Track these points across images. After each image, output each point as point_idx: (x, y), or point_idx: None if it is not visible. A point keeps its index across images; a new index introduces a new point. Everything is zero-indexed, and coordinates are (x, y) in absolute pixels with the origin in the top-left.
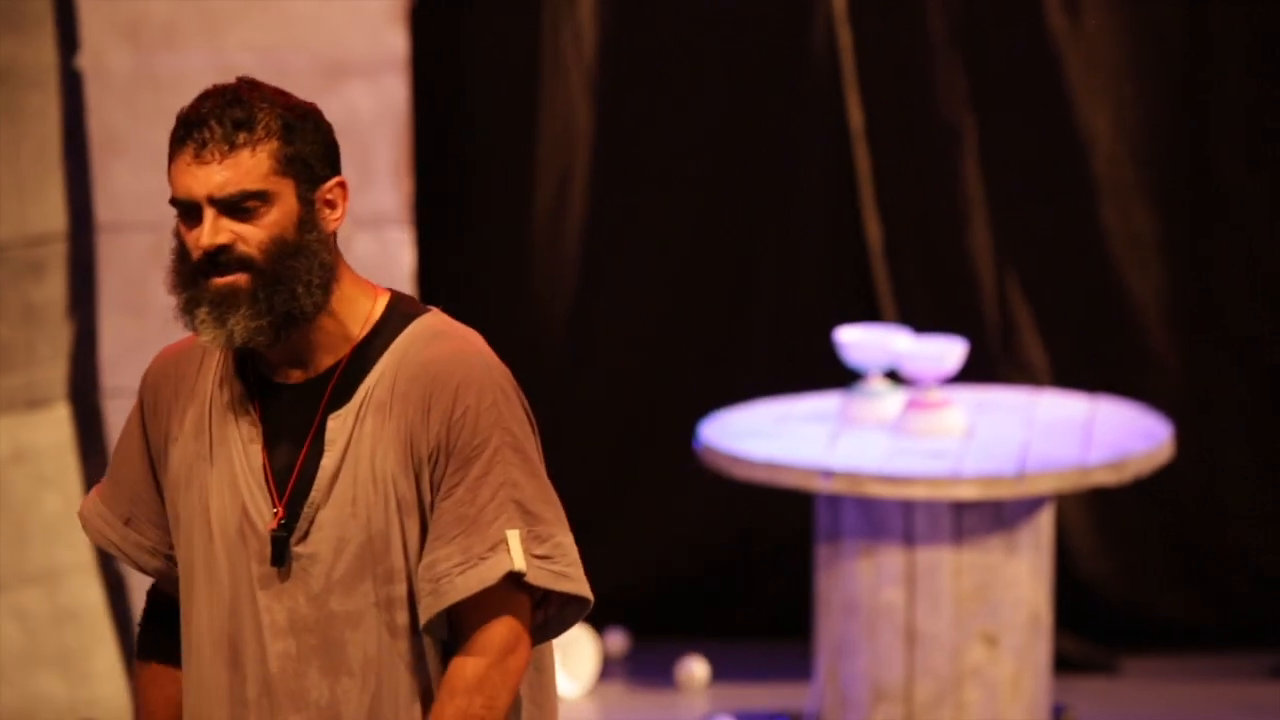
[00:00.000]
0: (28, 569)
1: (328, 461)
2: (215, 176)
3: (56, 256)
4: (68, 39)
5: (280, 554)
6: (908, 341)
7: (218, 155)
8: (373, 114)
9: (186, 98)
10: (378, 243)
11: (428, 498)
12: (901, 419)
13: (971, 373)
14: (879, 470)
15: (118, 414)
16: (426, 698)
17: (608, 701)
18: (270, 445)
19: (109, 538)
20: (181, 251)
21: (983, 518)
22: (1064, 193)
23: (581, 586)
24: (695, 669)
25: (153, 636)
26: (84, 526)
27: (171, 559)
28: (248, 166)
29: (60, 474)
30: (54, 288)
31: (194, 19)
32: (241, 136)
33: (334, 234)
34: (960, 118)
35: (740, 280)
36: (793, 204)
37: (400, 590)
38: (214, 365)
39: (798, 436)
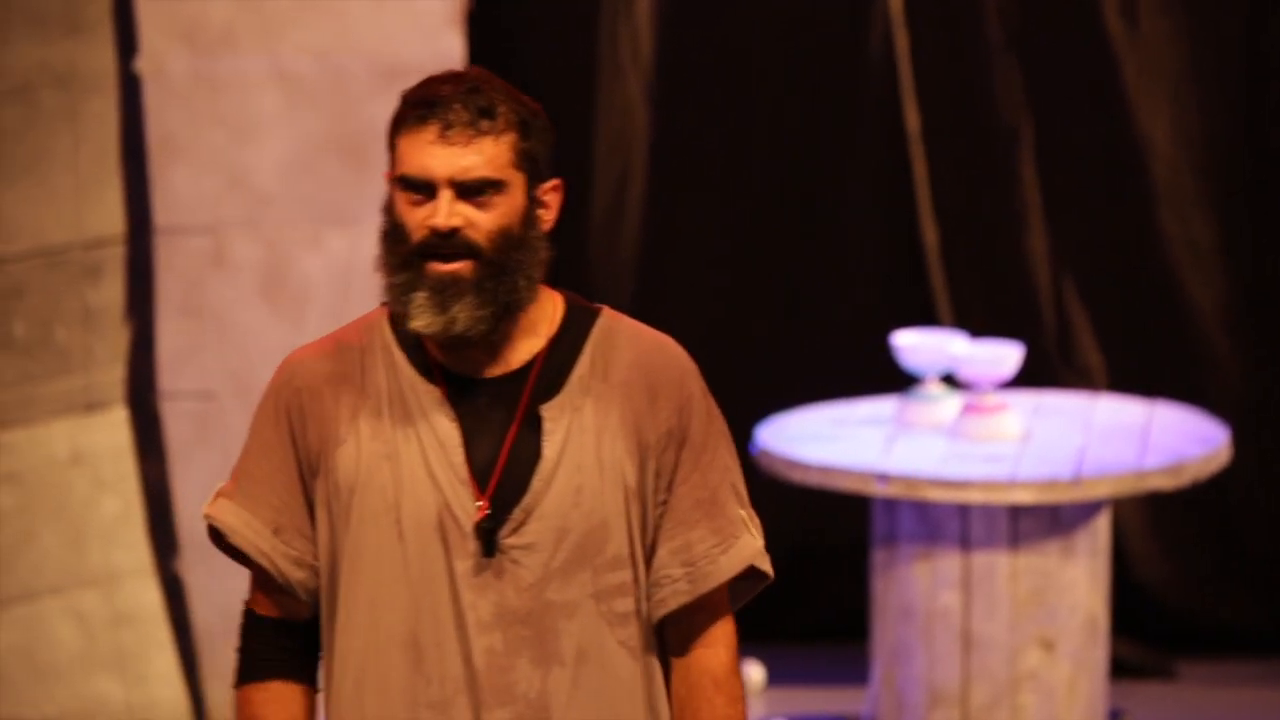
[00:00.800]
0: (85, 571)
1: (549, 451)
2: (460, 159)
3: (114, 260)
4: (126, 42)
5: (489, 546)
6: (964, 345)
7: (463, 138)
8: None
9: (244, 101)
10: None
11: (650, 484)
12: (958, 423)
13: (1028, 377)
14: (935, 474)
15: (175, 417)
16: (638, 685)
17: None
18: (469, 440)
19: (260, 547)
20: (396, 232)
21: (1039, 522)
22: (1121, 197)
23: (770, 566)
24: (751, 673)
25: (267, 655)
26: (228, 536)
27: (315, 570)
28: (491, 154)
29: (118, 477)
30: (112, 291)
31: (251, 22)
32: (485, 124)
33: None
34: (1017, 121)
35: (797, 284)
36: (849, 207)
37: (621, 577)
38: (381, 363)
39: (854, 440)
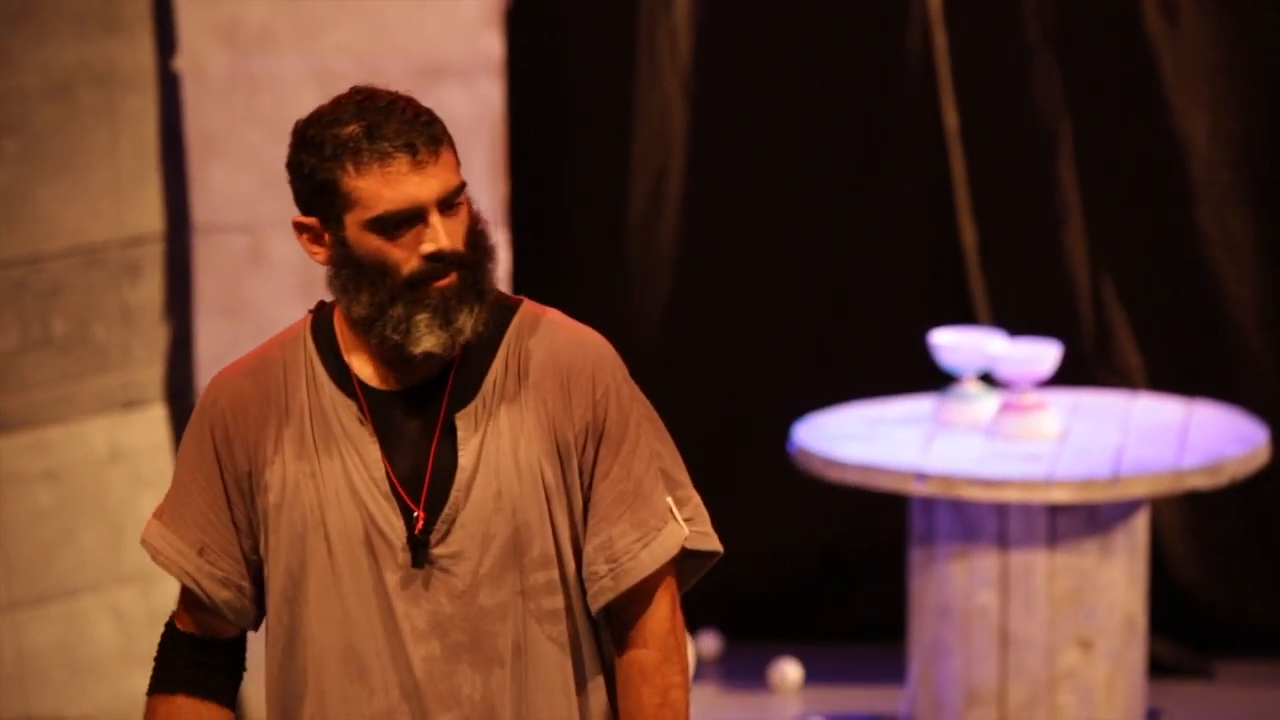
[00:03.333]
0: (124, 569)
1: (464, 460)
2: (436, 182)
3: (153, 258)
4: (165, 41)
5: (420, 558)
6: (1002, 344)
7: (432, 159)
8: (468, 116)
9: (282, 100)
10: None
11: (576, 482)
12: (996, 422)
13: (1066, 376)
14: (973, 473)
15: None
16: (570, 681)
17: (700, 703)
18: (390, 453)
19: (184, 568)
20: (374, 273)
21: (1077, 521)
22: (1160, 196)
23: (717, 542)
24: (788, 671)
25: (178, 670)
26: (154, 557)
27: (241, 590)
28: (453, 163)
29: (157, 474)
30: (151, 289)
31: (290, 22)
32: (438, 137)
33: None
34: (1056, 120)
35: (834, 282)
36: (887, 206)
37: (548, 575)
38: (303, 379)
39: (892, 439)
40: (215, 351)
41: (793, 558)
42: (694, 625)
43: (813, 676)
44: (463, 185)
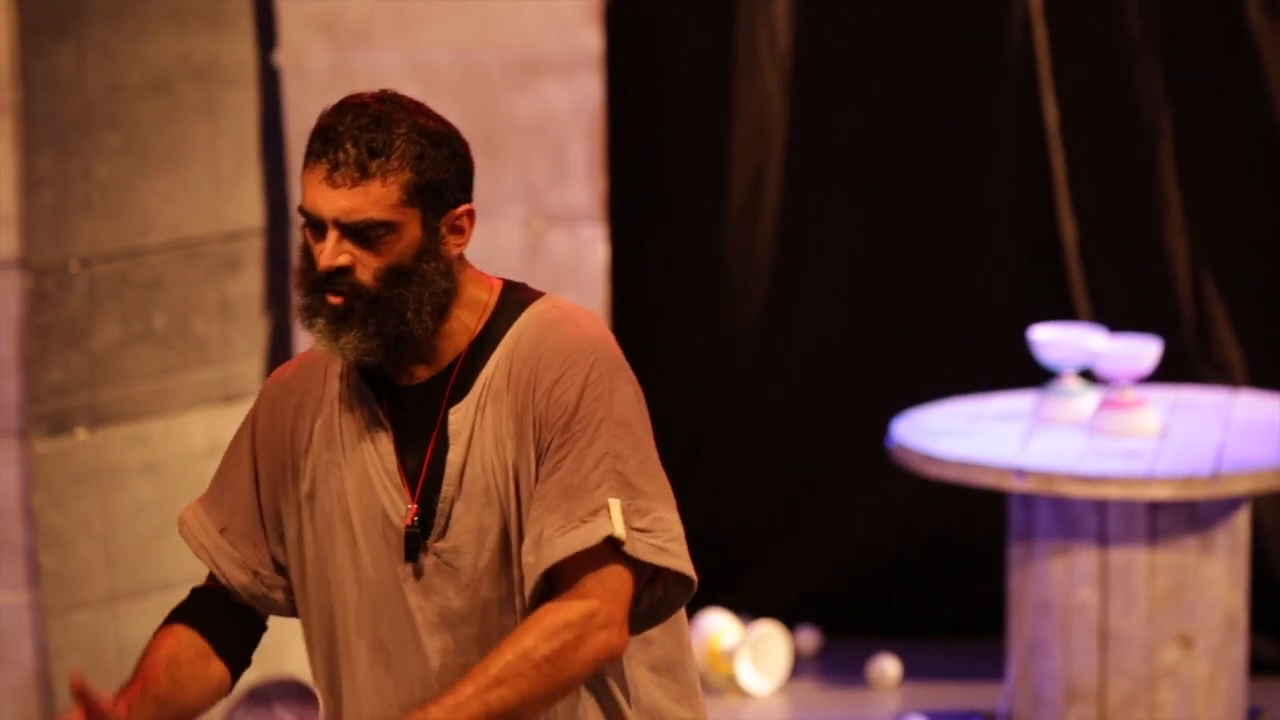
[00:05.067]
0: None
1: (454, 455)
2: (344, 201)
3: (253, 252)
4: (265, 36)
5: (414, 551)
6: (1102, 341)
7: (349, 180)
8: (567, 111)
9: None
10: (571, 240)
11: (536, 471)
12: (1096, 418)
13: (1167, 372)
14: (1073, 470)
15: None
16: None
17: (798, 699)
18: (401, 445)
19: (202, 543)
20: (308, 256)
21: (1177, 518)
22: (1261, 192)
23: (684, 563)
24: (886, 667)
25: (184, 607)
26: (180, 531)
27: (259, 576)
28: (377, 196)
29: None
30: (250, 283)
31: (390, 16)
32: (375, 165)
33: (457, 258)
34: (1157, 116)
35: (934, 278)
36: (987, 201)
37: None
38: (338, 372)
39: (991, 436)
40: (313, 345)
41: (891, 554)
42: (793, 621)
43: (911, 673)
44: (385, 223)
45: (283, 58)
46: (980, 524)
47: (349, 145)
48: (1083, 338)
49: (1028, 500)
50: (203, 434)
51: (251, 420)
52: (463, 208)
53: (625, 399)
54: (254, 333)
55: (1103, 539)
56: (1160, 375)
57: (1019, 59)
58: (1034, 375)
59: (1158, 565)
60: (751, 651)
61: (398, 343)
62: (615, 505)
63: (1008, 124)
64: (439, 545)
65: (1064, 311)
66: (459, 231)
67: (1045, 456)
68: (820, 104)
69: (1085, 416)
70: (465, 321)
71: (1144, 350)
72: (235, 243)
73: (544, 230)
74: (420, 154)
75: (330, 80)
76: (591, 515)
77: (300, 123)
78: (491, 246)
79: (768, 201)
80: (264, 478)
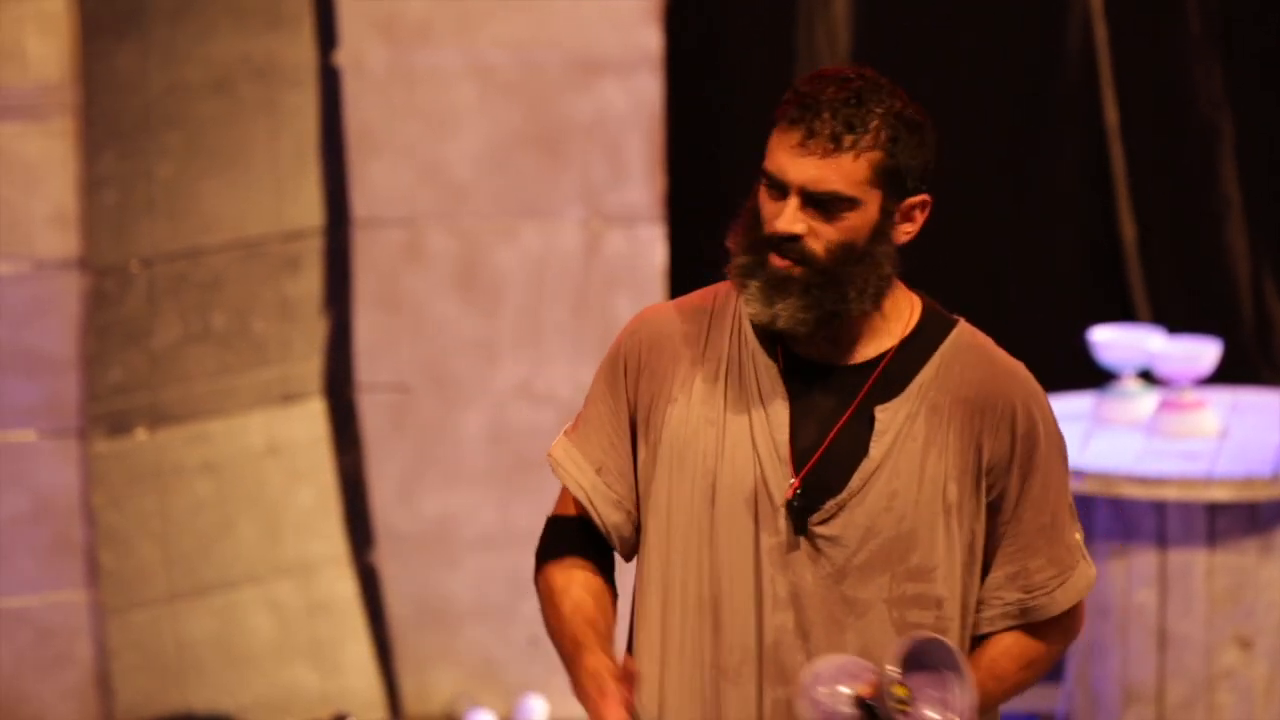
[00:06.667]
0: (281, 561)
1: (875, 451)
2: (813, 170)
3: (312, 252)
4: (325, 36)
5: (801, 526)
6: (1162, 342)
7: (821, 150)
8: (626, 111)
9: (441, 94)
10: (630, 240)
11: (981, 508)
12: (1155, 420)
13: (1226, 373)
14: (1132, 471)
15: (372, 409)
16: None
17: None
18: (796, 421)
19: (580, 483)
20: (754, 217)
21: (1237, 520)
22: None
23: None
24: None
25: (561, 541)
26: (554, 469)
27: (630, 516)
28: (847, 170)
29: (314, 468)
30: (310, 283)
31: (449, 16)
32: (850, 139)
33: (901, 245)
34: (1217, 115)
35: (992, 278)
36: (1047, 201)
37: (919, 589)
38: (728, 330)
39: None
40: (373, 345)
41: None
42: None
43: None
44: (849, 198)
45: (342, 57)
46: None
47: (827, 115)
48: (1142, 339)
49: (1086, 501)
50: (262, 434)
51: (621, 359)
52: (920, 197)
53: (1057, 427)
54: (313, 333)
55: (1161, 540)
56: (1220, 376)
57: (1079, 59)
58: (1093, 376)
59: (1216, 567)
60: None
61: (831, 319)
62: (1080, 542)
63: (1068, 123)
64: (820, 529)
65: (1123, 312)
66: (910, 220)
67: (1104, 457)
68: None
69: (1144, 418)
70: (891, 323)
71: (1203, 351)
72: (295, 242)
73: (602, 230)
74: (894, 137)
75: (389, 80)
76: (1075, 561)
77: (359, 122)
78: (549, 247)
79: None
80: (640, 417)
